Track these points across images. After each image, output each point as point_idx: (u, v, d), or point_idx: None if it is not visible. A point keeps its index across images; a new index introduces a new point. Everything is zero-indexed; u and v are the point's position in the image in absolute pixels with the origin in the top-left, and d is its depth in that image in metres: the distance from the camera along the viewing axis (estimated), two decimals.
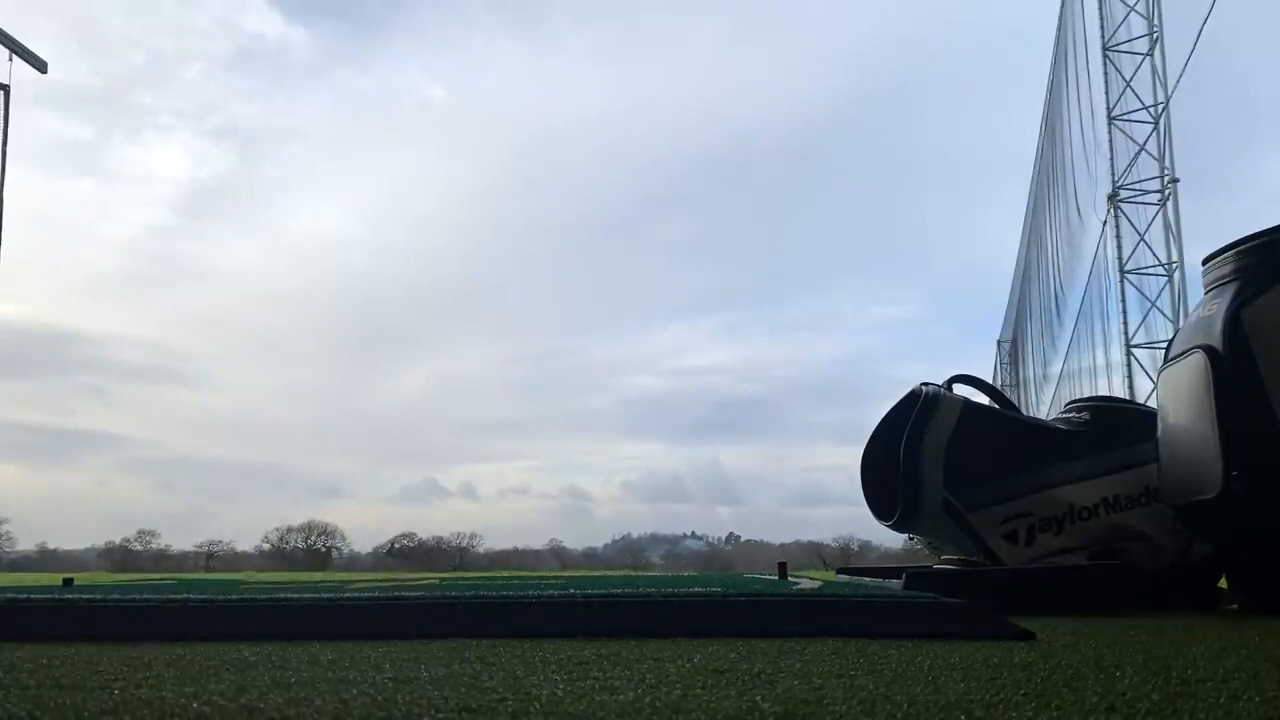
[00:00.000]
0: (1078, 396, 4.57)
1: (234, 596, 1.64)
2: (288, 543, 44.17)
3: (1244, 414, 1.81)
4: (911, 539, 2.96)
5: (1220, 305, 1.89)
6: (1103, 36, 13.41)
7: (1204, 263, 2.04)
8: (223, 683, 0.85)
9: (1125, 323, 13.31)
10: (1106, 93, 13.18)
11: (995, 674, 0.89)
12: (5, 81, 5.09)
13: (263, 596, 1.61)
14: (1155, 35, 12.66)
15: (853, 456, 2.56)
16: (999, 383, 20.97)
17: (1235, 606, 2.05)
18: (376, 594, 1.64)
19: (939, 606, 1.41)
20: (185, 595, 1.57)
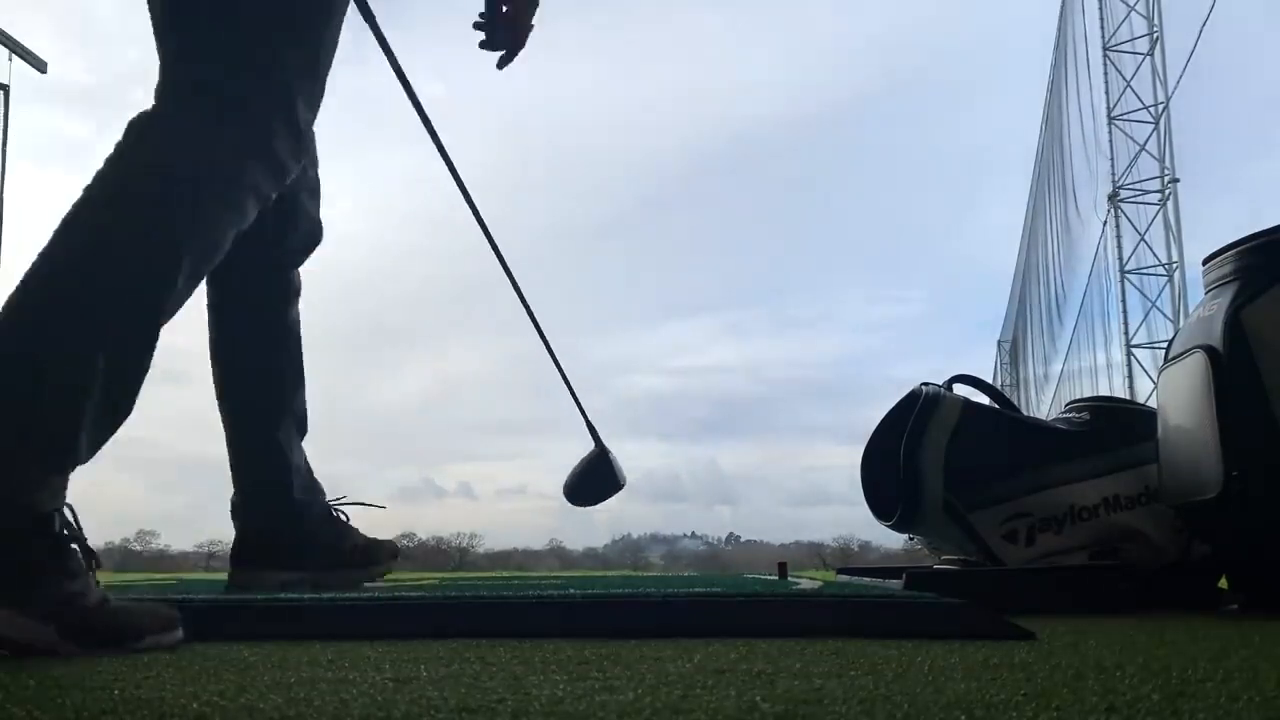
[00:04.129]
0: (1078, 396, 4.56)
1: (234, 596, 1.64)
2: None
3: (1244, 414, 1.81)
4: (911, 539, 2.95)
5: (1220, 305, 1.89)
6: (1103, 36, 13.39)
7: (1204, 263, 2.04)
8: (223, 683, 0.85)
9: (1125, 323, 13.31)
10: (1107, 92, 13.18)
11: (995, 674, 0.89)
12: (5, 82, 5.08)
13: (263, 596, 1.61)
14: (1155, 35, 12.65)
15: (853, 456, 2.55)
16: (999, 383, 20.99)
17: (1235, 606, 2.05)
18: (376, 594, 1.64)
19: (939, 606, 1.41)
20: (185, 595, 1.57)
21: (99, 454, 1.20)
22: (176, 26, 1.42)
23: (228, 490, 1.97)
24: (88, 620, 1.12)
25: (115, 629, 1.15)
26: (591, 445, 2.39)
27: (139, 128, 1.33)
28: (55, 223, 1.21)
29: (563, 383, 2.44)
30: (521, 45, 1.81)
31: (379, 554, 2.09)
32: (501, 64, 1.81)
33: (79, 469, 1.17)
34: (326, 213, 2.04)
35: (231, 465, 1.95)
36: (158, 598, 1.50)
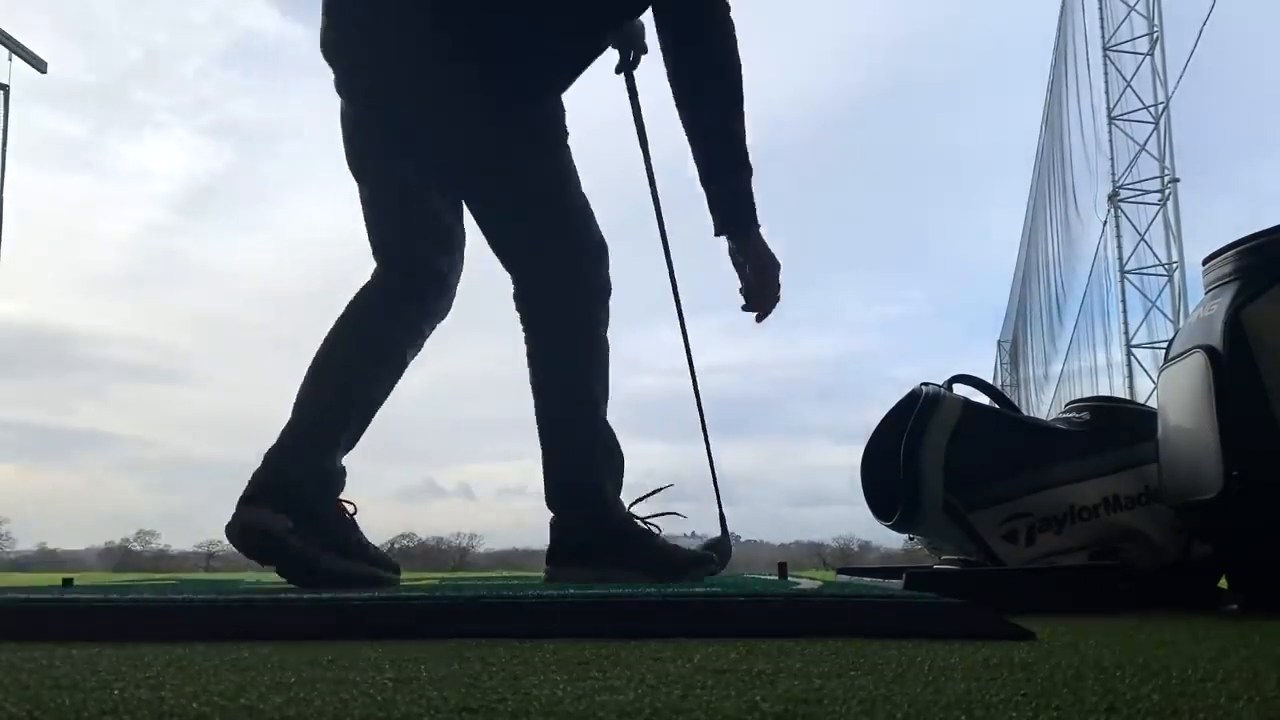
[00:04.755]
0: (1078, 396, 4.56)
1: (234, 596, 1.64)
2: None
3: (1244, 414, 1.81)
4: (911, 539, 2.95)
5: (1220, 305, 1.89)
6: (1103, 36, 13.38)
7: (1204, 263, 2.03)
8: (223, 683, 0.85)
9: (1125, 323, 13.31)
10: (1107, 92, 13.16)
11: (995, 674, 0.89)
12: (5, 81, 5.09)
13: (262, 596, 1.61)
14: (1155, 35, 12.65)
15: (853, 456, 2.55)
16: (999, 383, 20.99)
17: (1235, 606, 2.05)
18: (377, 594, 1.64)
19: (939, 606, 1.41)
20: (185, 595, 1.57)
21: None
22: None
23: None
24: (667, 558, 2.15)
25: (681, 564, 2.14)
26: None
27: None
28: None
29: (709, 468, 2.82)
30: (774, 303, 2.30)
31: (385, 564, 2.20)
32: (759, 319, 2.32)
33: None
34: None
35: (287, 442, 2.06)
36: (159, 598, 1.50)
